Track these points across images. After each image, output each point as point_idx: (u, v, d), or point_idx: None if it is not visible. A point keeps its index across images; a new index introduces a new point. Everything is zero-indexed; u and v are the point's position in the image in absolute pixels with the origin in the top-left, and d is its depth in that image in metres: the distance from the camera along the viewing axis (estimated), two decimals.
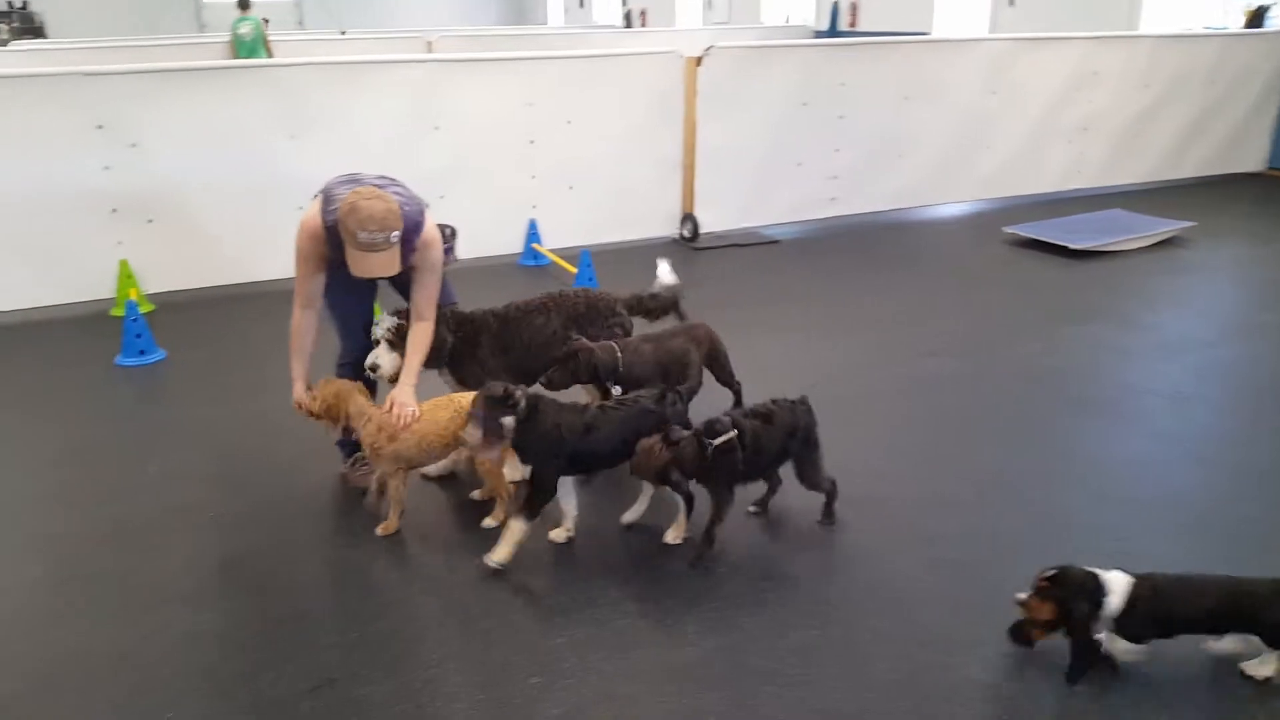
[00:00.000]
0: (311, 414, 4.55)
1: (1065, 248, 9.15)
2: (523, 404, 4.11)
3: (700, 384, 5.00)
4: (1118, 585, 3.41)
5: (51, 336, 7.49)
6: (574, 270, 8.21)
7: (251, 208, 8.15)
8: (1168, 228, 9.61)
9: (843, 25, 20.81)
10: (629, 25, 28.74)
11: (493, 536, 4.43)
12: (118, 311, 7.71)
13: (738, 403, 5.27)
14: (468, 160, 8.87)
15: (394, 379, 4.70)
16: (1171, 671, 3.53)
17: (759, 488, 4.59)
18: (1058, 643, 3.50)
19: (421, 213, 4.48)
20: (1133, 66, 11.68)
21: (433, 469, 5.02)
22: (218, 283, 8.31)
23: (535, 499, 4.22)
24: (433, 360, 4.73)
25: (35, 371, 6.77)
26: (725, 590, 4.08)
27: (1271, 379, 6.27)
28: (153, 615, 3.98)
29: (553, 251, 9.12)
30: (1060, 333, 7.07)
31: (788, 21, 23.01)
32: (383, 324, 4.70)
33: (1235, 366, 6.46)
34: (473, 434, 4.07)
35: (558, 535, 4.44)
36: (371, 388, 4.85)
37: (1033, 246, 9.45)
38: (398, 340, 4.68)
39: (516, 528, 4.21)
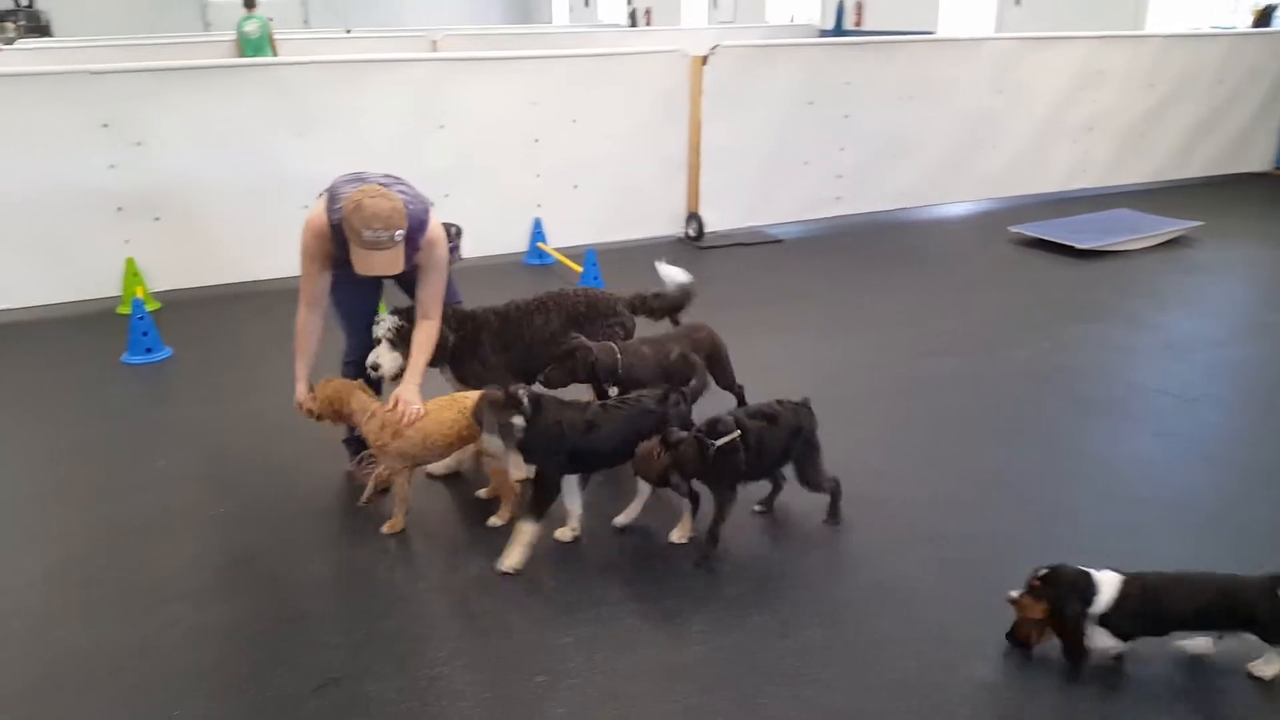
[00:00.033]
0: (312, 414, 4.54)
1: (1071, 247, 9.13)
2: (526, 402, 4.11)
3: (705, 384, 4.98)
4: (1108, 584, 3.41)
5: (58, 334, 7.49)
6: (579, 269, 8.20)
7: (257, 206, 8.15)
8: (1174, 227, 9.59)
9: (848, 24, 20.81)
10: (634, 24, 28.72)
11: (498, 535, 4.44)
12: (124, 309, 7.72)
13: (740, 404, 5.26)
14: (473, 159, 8.86)
15: (395, 378, 4.70)
16: (1175, 673, 3.53)
17: (762, 487, 4.58)
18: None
19: (426, 211, 4.48)
20: (1139, 66, 11.67)
21: (438, 467, 5.02)
22: (224, 281, 8.31)
23: (540, 498, 4.23)
24: (434, 358, 4.71)
25: (41, 369, 6.77)
26: (731, 589, 4.07)
27: None
28: (158, 612, 3.98)
29: (558, 250, 9.11)
30: (1067, 332, 7.05)
31: (793, 20, 23.00)
32: (384, 323, 4.69)
33: (1243, 366, 6.45)
34: (493, 442, 4.05)
35: (563, 534, 4.43)
36: (377, 387, 4.85)
37: (1038, 246, 9.43)
38: (399, 339, 4.67)
39: (526, 530, 4.23)
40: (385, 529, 4.53)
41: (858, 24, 20.71)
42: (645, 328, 5.40)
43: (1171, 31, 12.82)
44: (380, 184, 4.32)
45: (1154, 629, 3.49)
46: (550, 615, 3.93)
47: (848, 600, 3.99)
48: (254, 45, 15.63)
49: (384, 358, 4.68)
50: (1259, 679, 3.46)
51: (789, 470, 4.49)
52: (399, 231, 4.19)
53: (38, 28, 29.59)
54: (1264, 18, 13.71)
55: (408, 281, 4.76)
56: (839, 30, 20.71)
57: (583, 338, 4.74)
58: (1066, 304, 7.74)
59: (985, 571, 4.08)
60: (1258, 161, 12.95)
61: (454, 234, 4.86)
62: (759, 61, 9.80)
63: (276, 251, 7.23)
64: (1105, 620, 3.40)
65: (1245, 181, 12.62)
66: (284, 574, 4.26)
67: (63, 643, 3.80)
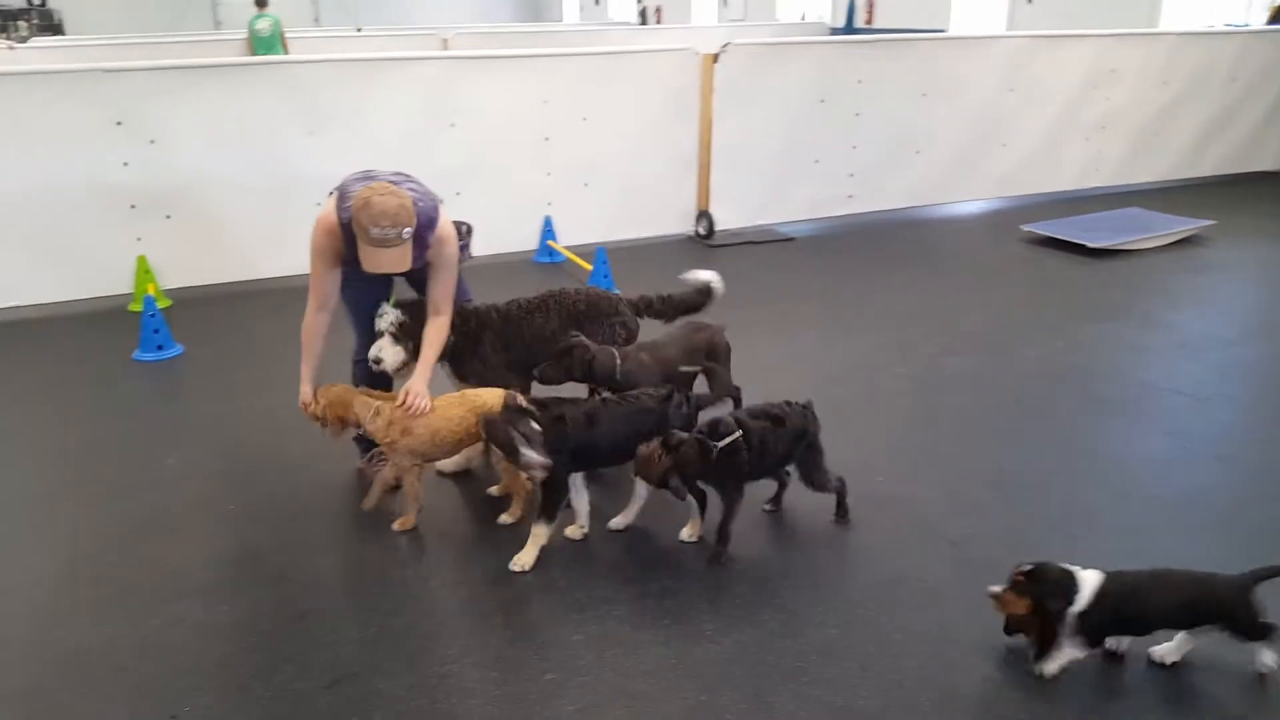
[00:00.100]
0: (315, 417, 4.54)
1: (1083, 246, 9.11)
2: (528, 405, 4.14)
3: (726, 393, 4.93)
4: (1089, 581, 3.41)
5: (69, 332, 7.51)
6: (589, 267, 8.20)
7: (269, 204, 8.17)
8: (1187, 226, 9.56)
9: (859, 22, 20.81)
10: (644, 22, 28.75)
11: (509, 532, 4.46)
12: (136, 307, 7.73)
13: (736, 407, 5.21)
14: (483, 157, 8.87)
15: (398, 372, 4.72)
16: (1176, 675, 3.51)
17: (770, 485, 4.59)
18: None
19: (436, 209, 4.47)
20: (1152, 64, 11.63)
21: (448, 465, 5.02)
22: (235, 278, 8.33)
23: (550, 499, 4.24)
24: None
25: (54, 366, 6.79)
26: (742, 588, 4.07)
27: None
28: (167, 609, 3.98)
29: (568, 248, 9.11)
30: (1080, 331, 7.03)
31: (804, 19, 23.00)
32: (386, 317, 4.68)
33: (1256, 365, 6.42)
34: (530, 457, 4.04)
35: (573, 532, 4.44)
36: (386, 382, 4.86)
37: (1051, 245, 9.41)
38: (401, 334, 4.67)
39: (540, 532, 4.25)
40: (396, 526, 4.53)
41: (869, 22, 20.71)
42: (648, 329, 5.38)
43: (1185, 30, 12.76)
44: (390, 182, 4.32)
45: (1134, 628, 3.49)
46: (560, 613, 3.93)
47: (857, 599, 3.98)
48: (266, 43, 15.65)
49: (386, 351, 4.68)
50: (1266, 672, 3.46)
51: (793, 468, 4.48)
52: (407, 229, 4.19)
53: (50, 26, 29.74)
54: (1278, 16, 13.65)
55: (418, 279, 4.77)
56: (850, 28, 20.71)
57: (582, 337, 4.72)
58: (1079, 303, 7.72)
59: (996, 571, 4.04)
60: (1270, 160, 12.89)
61: (464, 232, 4.85)
62: (770, 59, 9.79)
63: (288, 249, 7.24)
64: (1084, 617, 3.39)
65: (1258, 180, 12.57)
66: (294, 571, 4.26)
67: (71, 640, 3.81)
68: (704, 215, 9.88)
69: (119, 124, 7.68)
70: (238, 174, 8.09)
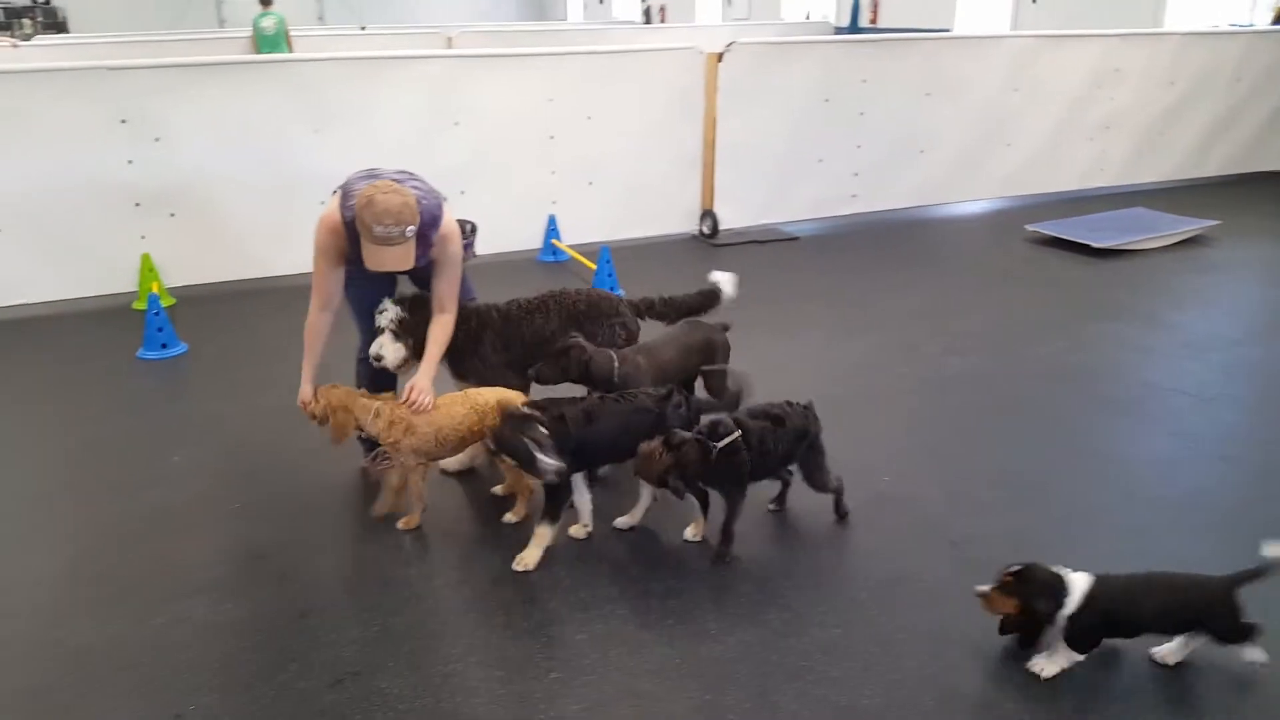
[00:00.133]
0: (314, 417, 4.52)
1: (1088, 246, 9.10)
2: (550, 411, 4.14)
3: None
4: (1078, 585, 3.41)
5: (73, 330, 7.51)
6: (593, 266, 8.19)
7: (273, 202, 8.17)
8: (1191, 226, 9.55)
9: (863, 22, 20.79)
10: (648, 21, 28.75)
11: (513, 531, 4.47)
12: (140, 305, 7.74)
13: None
14: (488, 156, 8.87)
15: (400, 368, 4.73)
16: (1191, 675, 3.51)
17: (774, 485, 4.58)
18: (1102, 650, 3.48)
19: (440, 206, 4.47)
20: (1156, 64, 11.62)
21: (452, 464, 5.02)
22: (239, 276, 8.34)
23: (554, 499, 4.24)
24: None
25: (58, 365, 6.79)
26: (747, 587, 4.07)
27: None
28: (171, 608, 3.98)
29: (572, 247, 9.10)
30: (1084, 331, 7.03)
31: (808, 18, 22.97)
32: (386, 314, 4.67)
33: (1261, 365, 6.41)
34: (546, 464, 4.04)
35: (577, 531, 4.44)
36: (390, 380, 4.86)
37: (1055, 245, 9.40)
38: (401, 330, 4.66)
39: (544, 532, 4.25)
40: (401, 525, 4.54)
41: (873, 21, 20.69)
42: (650, 330, 5.38)
43: (1189, 30, 12.75)
44: (393, 179, 4.32)
45: (1123, 631, 3.48)
46: (565, 612, 3.93)
47: (860, 599, 3.98)
48: (270, 42, 15.66)
49: (387, 348, 4.67)
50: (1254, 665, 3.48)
51: (794, 468, 4.48)
52: (410, 227, 4.19)
53: (54, 24, 29.76)
54: None
55: (422, 277, 4.77)
56: (854, 28, 20.70)
57: (580, 338, 4.69)
58: (1083, 303, 7.72)
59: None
60: (1275, 160, 12.87)
61: (468, 231, 4.85)
62: (774, 58, 9.79)
63: (292, 247, 7.23)
64: (1074, 621, 3.39)
65: (1263, 180, 12.56)
66: (298, 570, 4.26)
67: (74, 638, 3.81)
68: (708, 214, 9.88)
69: (123, 122, 7.69)
70: (242, 172, 8.09)
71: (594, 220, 9.43)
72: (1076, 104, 11.37)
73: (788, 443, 4.27)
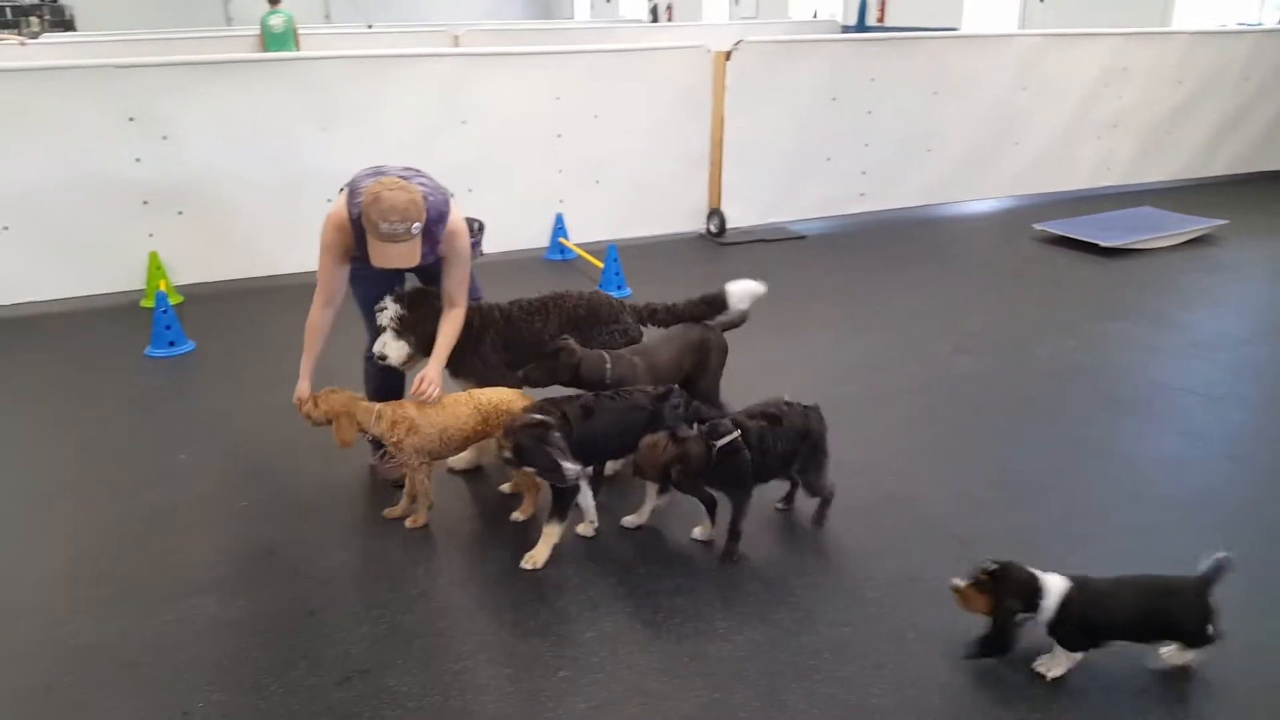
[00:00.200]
0: (310, 419, 4.51)
1: (1095, 245, 9.09)
2: (551, 413, 4.14)
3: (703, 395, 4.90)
4: (1054, 589, 3.40)
5: (82, 327, 7.52)
6: (600, 265, 8.20)
7: (280, 200, 8.18)
8: (1199, 225, 9.54)
9: (871, 20, 20.76)
10: (655, 20, 28.74)
11: (521, 529, 4.47)
12: (147, 303, 7.74)
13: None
14: (495, 154, 8.87)
15: (404, 365, 4.73)
16: (1203, 675, 3.50)
17: (782, 485, 4.58)
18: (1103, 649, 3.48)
19: (446, 203, 4.47)
20: (1164, 63, 11.60)
21: (459, 462, 5.03)
22: (247, 274, 8.35)
23: (561, 498, 4.25)
24: (432, 348, 4.71)
25: (65, 362, 6.80)
26: (756, 586, 4.07)
27: None
28: (178, 606, 3.99)
29: (579, 246, 9.11)
30: (1091, 330, 7.02)
31: (815, 16, 22.95)
32: (386, 312, 4.67)
33: (1269, 364, 6.40)
34: (571, 470, 4.04)
35: (584, 529, 4.45)
36: (398, 378, 4.87)
37: (1063, 244, 9.39)
38: (402, 328, 4.66)
39: (552, 531, 4.26)
40: (408, 524, 4.54)
41: (880, 20, 20.66)
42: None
43: (1197, 29, 12.72)
44: (400, 176, 4.32)
45: (1102, 635, 3.46)
46: (573, 610, 3.93)
47: (870, 598, 3.98)
48: (278, 39, 15.68)
49: (390, 347, 4.67)
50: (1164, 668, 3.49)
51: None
52: (416, 224, 4.19)
53: (62, 22, 29.80)
54: None
55: (428, 275, 4.77)
56: (862, 26, 20.68)
57: (571, 340, 4.66)
58: (1090, 302, 7.71)
59: None
60: None
61: (476, 229, 4.85)
62: (782, 57, 9.78)
63: (300, 245, 7.22)
64: (1053, 626, 3.39)
65: (1270, 179, 12.54)
66: (306, 568, 4.27)
67: (82, 636, 3.82)
68: (715, 213, 9.87)
69: (131, 120, 7.70)
70: (250, 170, 8.10)
71: (601, 219, 9.43)
72: (1084, 103, 11.36)
73: (787, 441, 4.24)
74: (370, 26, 19.38)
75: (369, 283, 4.69)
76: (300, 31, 16.20)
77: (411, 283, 4.87)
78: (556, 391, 4.55)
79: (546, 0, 38.64)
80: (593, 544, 4.40)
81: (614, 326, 5.02)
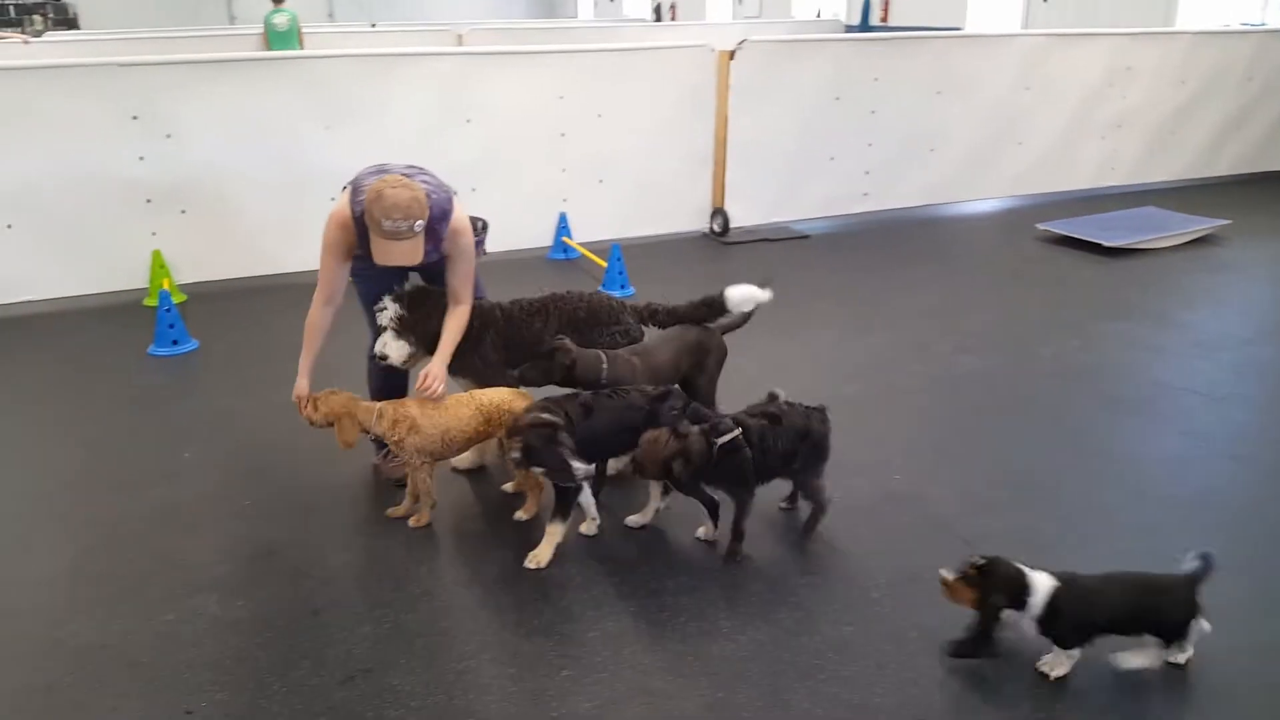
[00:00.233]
0: (311, 421, 4.49)
1: (1099, 245, 9.09)
2: (554, 412, 4.14)
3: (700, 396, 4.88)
4: (1041, 587, 3.40)
5: (85, 326, 7.53)
6: (604, 264, 8.19)
7: (284, 199, 8.18)
8: (1203, 225, 9.53)
9: (874, 20, 20.76)
10: (659, 19, 28.74)
11: (524, 529, 4.48)
12: (151, 301, 7.75)
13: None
14: (498, 153, 8.87)
15: (405, 364, 4.74)
16: (1209, 675, 3.50)
17: (785, 484, 4.57)
18: (1102, 647, 3.48)
19: (449, 200, 4.47)
20: (1168, 63, 11.59)
21: (463, 461, 5.02)
22: (250, 273, 8.35)
23: (564, 497, 4.25)
24: (435, 346, 4.69)
25: (68, 361, 6.80)
26: (759, 585, 4.07)
27: None
28: (181, 604, 3.99)
29: (583, 245, 9.11)
30: (1095, 330, 7.02)
31: (819, 16, 22.95)
32: (386, 312, 4.67)
33: (1272, 364, 6.40)
34: (582, 469, 4.04)
35: (588, 528, 4.45)
36: (401, 377, 4.87)
37: (1066, 244, 9.39)
38: (402, 328, 4.66)
39: (555, 530, 4.26)
40: (411, 523, 4.54)
41: (884, 20, 20.66)
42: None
43: (1201, 29, 12.72)
44: (403, 174, 4.32)
45: (1092, 631, 3.46)
46: (577, 610, 3.93)
47: (873, 597, 3.98)
48: (283, 38, 15.66)
49: (390, 346, 4.67)
50: (1124, 669, 3.49)
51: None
52: (419, 221, 4.19)
53: (65, 20, 29.83)
54: None
55: (432, 274, 4.77)
56: (865, 26, 20.68)
57: (567, 340, 4.64)
58: (1094, 302, 7.71)
59: None
60: None
61: (480, 228, 4.84)
62: (786, 57, 9.78)
63: (303, 244, 7.22)
64: (1042, 623, 3.40)
65: (1274, 180, 12.52)
66: (309, 567, 4.27)
67: (85, 634, 3.82)
68: (719, 212, 9.87)
69: (135, 118, 7.70)
70: (253, 169, 8.11)
71: (605, 218, 9.43)
72: (1088, 103, 11.34)
73: (788, 440, 4.22)
74: (374, 25, 19.37)
75: (372, 282, 4.70)
76: (304, 30, 16.19)
77: (414, 282, 4.86)
78: (551, 391, 4.55)
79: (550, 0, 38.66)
80: (596, 543, 4.40)
81: (615, 327, 5.00)
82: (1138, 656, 3.47)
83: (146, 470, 5.16)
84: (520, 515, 4.61)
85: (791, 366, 6.32)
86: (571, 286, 5.15)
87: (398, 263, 4.30)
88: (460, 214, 4.53)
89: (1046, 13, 17.20)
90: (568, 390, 4.49)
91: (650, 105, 9.40)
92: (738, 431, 4.11)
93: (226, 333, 7.21)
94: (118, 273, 7.95)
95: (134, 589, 4.10)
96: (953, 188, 11.07)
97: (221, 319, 7.52)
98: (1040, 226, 9.79)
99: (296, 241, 7.95)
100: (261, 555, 4.36)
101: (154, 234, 7.92)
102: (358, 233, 4.37)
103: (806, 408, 4.34)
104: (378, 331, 4.74)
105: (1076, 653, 3.46)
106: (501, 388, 4.64)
